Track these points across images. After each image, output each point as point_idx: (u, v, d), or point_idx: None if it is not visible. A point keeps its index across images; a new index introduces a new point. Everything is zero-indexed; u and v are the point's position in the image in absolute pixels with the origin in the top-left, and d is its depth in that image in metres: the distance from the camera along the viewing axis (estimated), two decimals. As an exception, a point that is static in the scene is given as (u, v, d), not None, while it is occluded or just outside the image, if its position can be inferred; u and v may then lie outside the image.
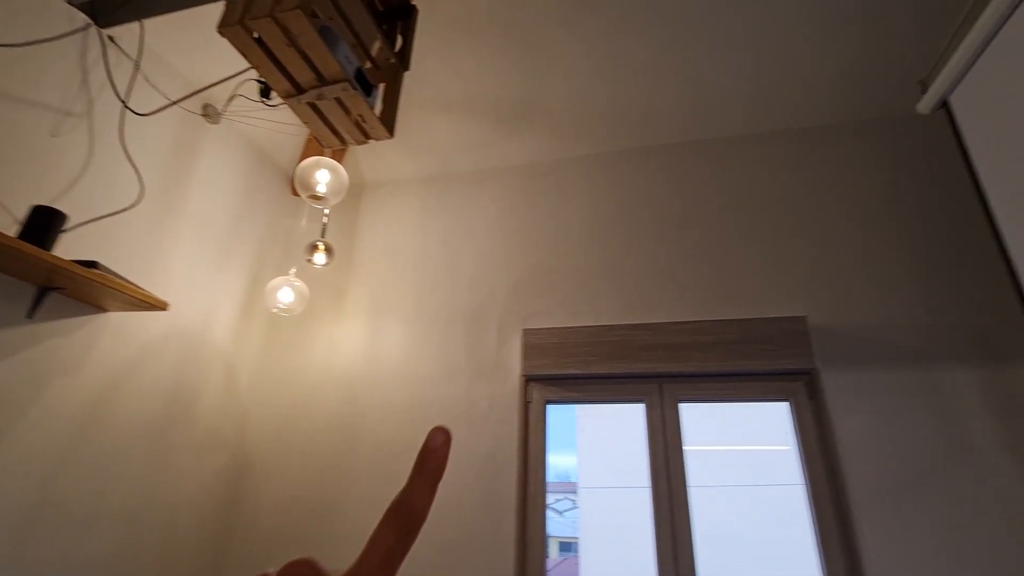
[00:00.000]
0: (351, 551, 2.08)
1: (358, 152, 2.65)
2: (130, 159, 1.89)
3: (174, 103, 2.06)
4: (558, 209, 2.51)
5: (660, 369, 2.02)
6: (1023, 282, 1.55)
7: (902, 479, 1.77)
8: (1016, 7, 1.48)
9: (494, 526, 1.98)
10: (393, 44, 1.77)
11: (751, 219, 2.25)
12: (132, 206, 1.87)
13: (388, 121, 1.51)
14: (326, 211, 2.23)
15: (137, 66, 1.93)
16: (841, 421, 1.87)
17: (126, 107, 1.87)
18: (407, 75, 1.89)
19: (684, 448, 2.00)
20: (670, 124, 2.44)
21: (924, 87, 1.89)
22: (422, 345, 2.38)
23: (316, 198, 2.08)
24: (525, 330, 2.22)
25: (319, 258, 2.09)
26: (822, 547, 1.77)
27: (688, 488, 1.93)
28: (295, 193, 2.75)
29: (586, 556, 6.39)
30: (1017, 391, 1.81)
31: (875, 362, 1.93)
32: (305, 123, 1.43)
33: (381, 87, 1.60)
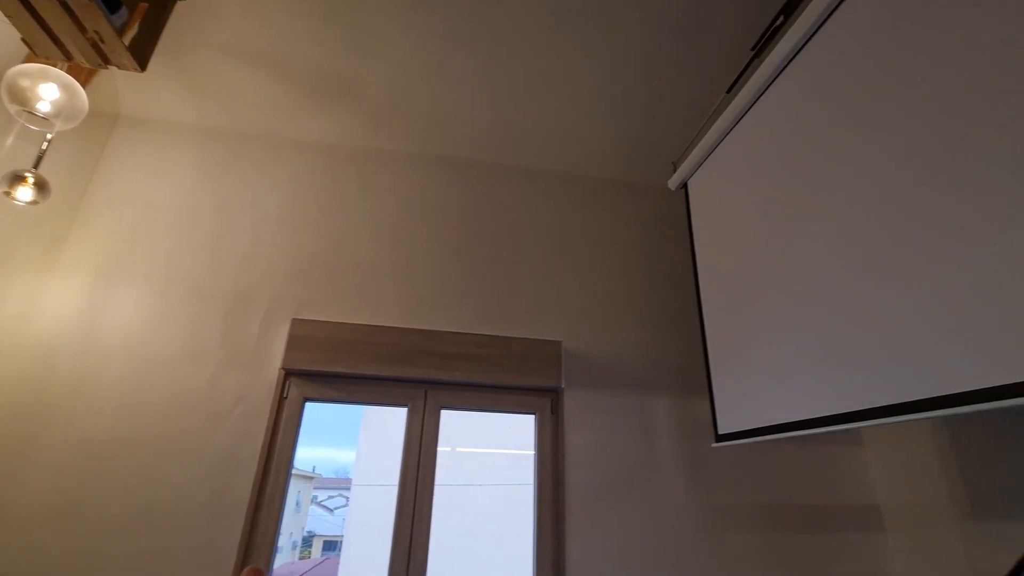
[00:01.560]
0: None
1: (118, 75, 2.16)
2: None
3: None
4: (357, 200, 2.41)
5: (429, 376, 2.07)
6: (708, 339, 1.98)
7: (608, 486, 2.11)
8: (733, 125, 1.90)
9: (214, 532, 1.77)
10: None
11: (531, 247, 2.47)
12: None
13: (141, 51, 1.25)
14: (48, 135, 1.75)
15: None
16: (572, 434, 2.16)
17: None
18: (191, 9, 1.60)
19: (439, 451, 2.08)
20: (481, 141, 2.55)
21: (675, 168, 2.32)
22: (164, 320, 2.03)
23: (35, 117, 1.62)
24: (295, 320, 2.06)
25: (23, 193, 1.62)
26: (537, 542, 2.00)
27: (436, 488, 2.01)
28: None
29: (348, 554, 6.22)
30: (697, 419, 2.31)
31: (608, 386, 2.27)
32: (7, 15, 1.09)
33: (142, 9, 1.32)
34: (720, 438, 1.84)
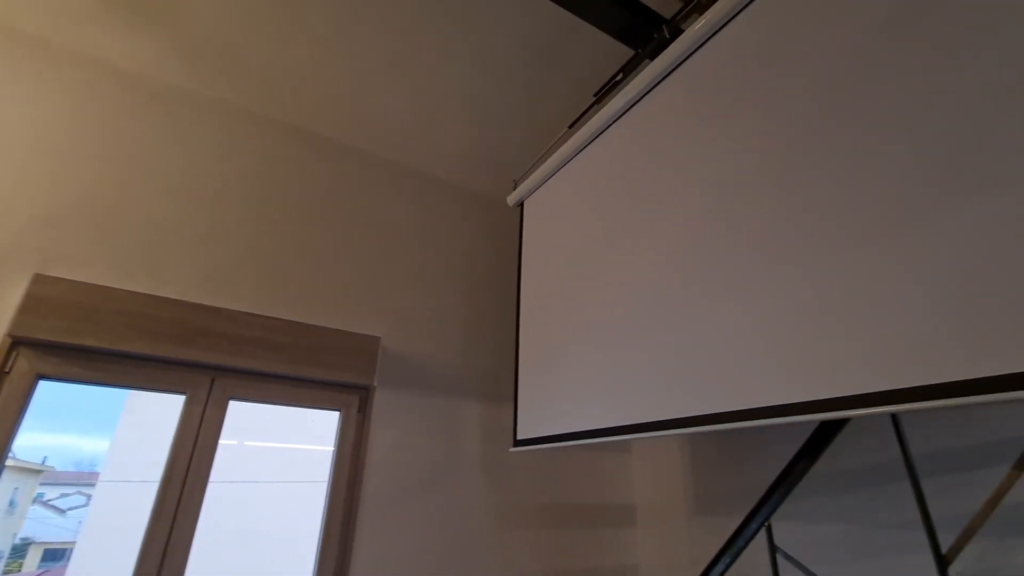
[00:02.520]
0: None
1: None
2: None
3: None
4: (155, 145, 2.00)
5: (219, 361, 1.81)
6: (520, 349, 2.11)
7: (406, 487, 2.10)
8: (571, 159, 2.07)
9: None
10: None
11: (362, 237, 2.35)
12: None
13: None
14: None
15: None
16: (378, 433, 2.09)
17: None
18: None
19: (224, 444, 1.83)
20: (325, 114, 2.35)
21: (515, 185, 2.43)
22: None
23: None
24: (37, 275, 1.62)
25: None
26: (323, 543, 1.88)
27: (213, 486, 1.76)
28: None
29: (79, 564, 5.08)
30: (501, 424, 2.45)
31: (421, 387, 2.26)
32: None
33: None
34: (518, 443, 1.96)
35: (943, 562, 1.02)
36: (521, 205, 2.39)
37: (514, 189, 2.42)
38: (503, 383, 2.50)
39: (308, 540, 2.01)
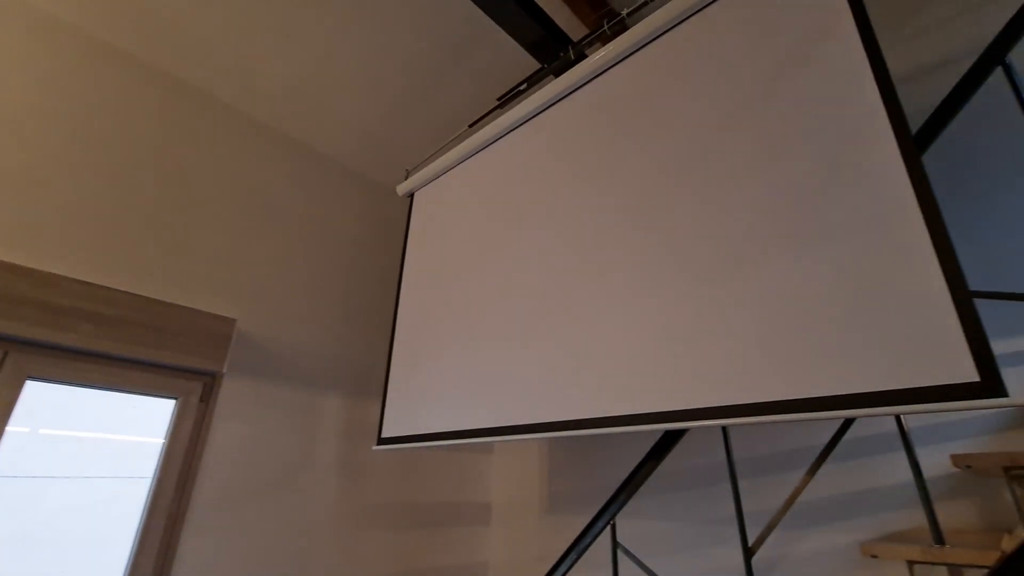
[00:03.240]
0: None
1: None
2: None
3: None
4: (-48, 49, 1.58)
5: (16, 332, 1.48)
6: (395, 345, 2.05)
7: (250, 487, 1.90)
8: (467, 158, 2.07)
9: None
10: None
11: (229, 205, 2.11)
12: None
13: None
14: None
15: None
16: (222, 426, 1.88)
17: None
18: None
19: (11, 432, 1.50)
20: (200, 64, 2.05)
21: (407, 175, 2.36)
22: None
23: None
24: None
25: None
26: (138, 549, 1.63)
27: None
28: None
29: None
30: (365, 421, 2.34)
31: (280, 378, 2.08)
32: None
33: None
34: (382, 441, 1.90)
35: (748, 552, 1.20)
36: (411, 196, 2.33)
37: (406, 179, 2.35)
38: (373, 380, 2.40)
39: (117, 546, 1.72)
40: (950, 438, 1.37)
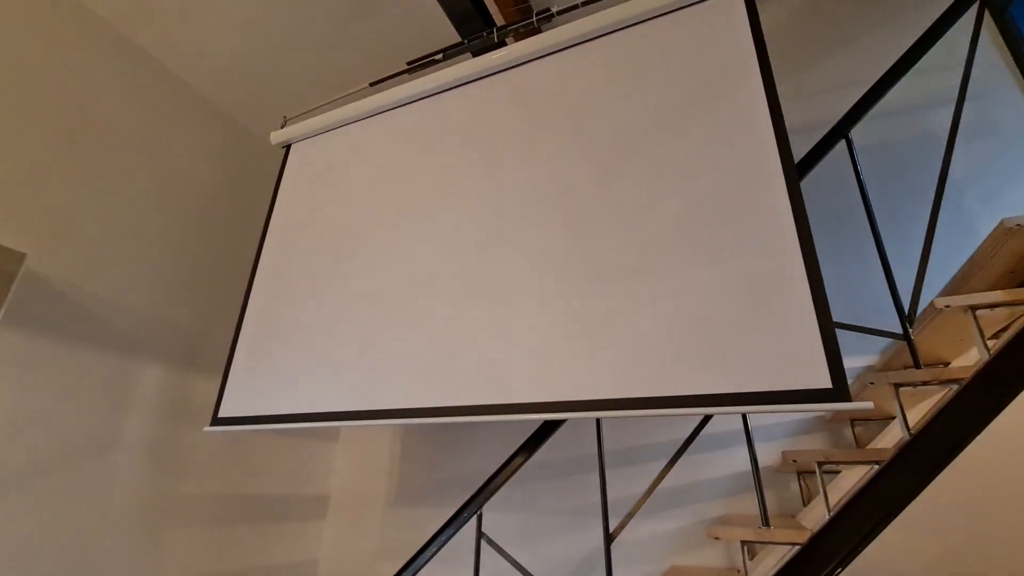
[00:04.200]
0: None
1: None
2: None
3: None
4: None
5: None
6: (246, 313, 1.77)
7: (24, 469, 1.46)
8: (363, 118, 1.89)
9: None
10: None
11: (41, 106, 1.61)
12: None
13: None
14: None
15: None
16: (-15, 393, 1.41)
17: None
18: None
19: None
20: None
21: (285, 123, 2.08)
22: None
23: None
24: None
25: None
26: None
27: None
28: None
29: None
30: (190, 397, 1.98)
31: (80, 337, 1.64)
32: None
33: None
34: (219, 421, 1.61)
35: (609, 538, 1.28)
36: (287, 147, 2.04)
37: (283, 126, 2.06)
38: (206, 349, 2.05)
39: None
40: (771, 438, 1.65)
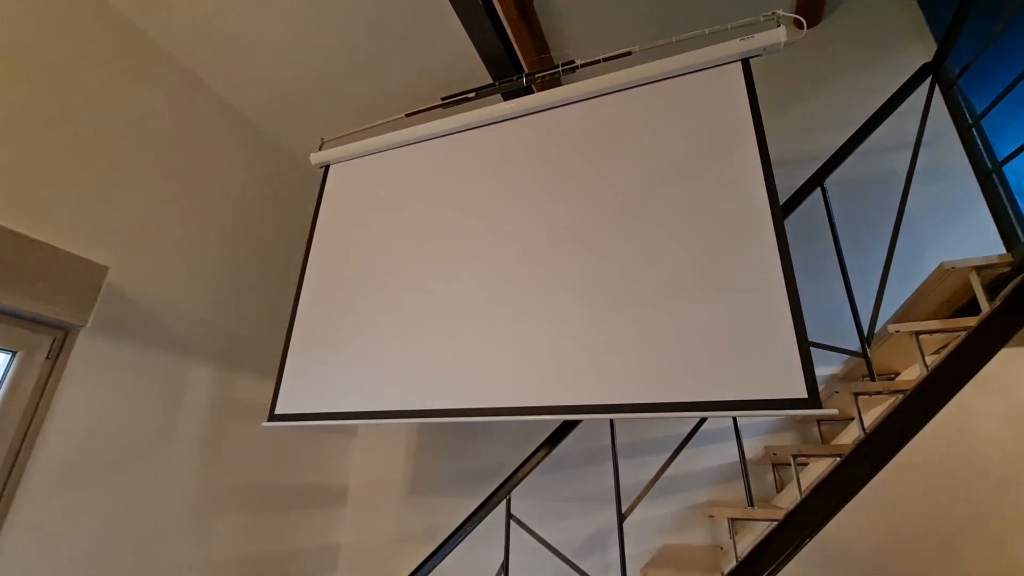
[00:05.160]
0: None
1: None
2: None
3: None
4: None
5: None
6: (297, 318, 1.97)
7: (95, 464, 1.65)
8: (402, 146, 2.10)
9: None
10: None
11: (111, 131, 1.78)
12: None
13: None
14: None
15: None
16: (72, 390, 1.59)
17: None
18: None
19: None
20: (87, -52, 1.69)
21: (322, 144, 2.27)
22: None
23: None
24: None
25: None
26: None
27: None
28: None
29: None
30: (236, 396, 2.16)
31: (147, 340, 1.82)
32: None
33: None
34: (275, 417, 1.82)
35: (621, 517, 1.54)
36: (326, 168, 2.24)
37: (320, 148, 2.25)
38: (246, 351, 2.24)
39: None
40: (751, 435, 1.95)
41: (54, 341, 1.57)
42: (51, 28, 1.64)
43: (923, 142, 1.80)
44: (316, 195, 2.37)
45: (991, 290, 1.45)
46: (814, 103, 2.48)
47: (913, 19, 2.43)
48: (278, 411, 1.84)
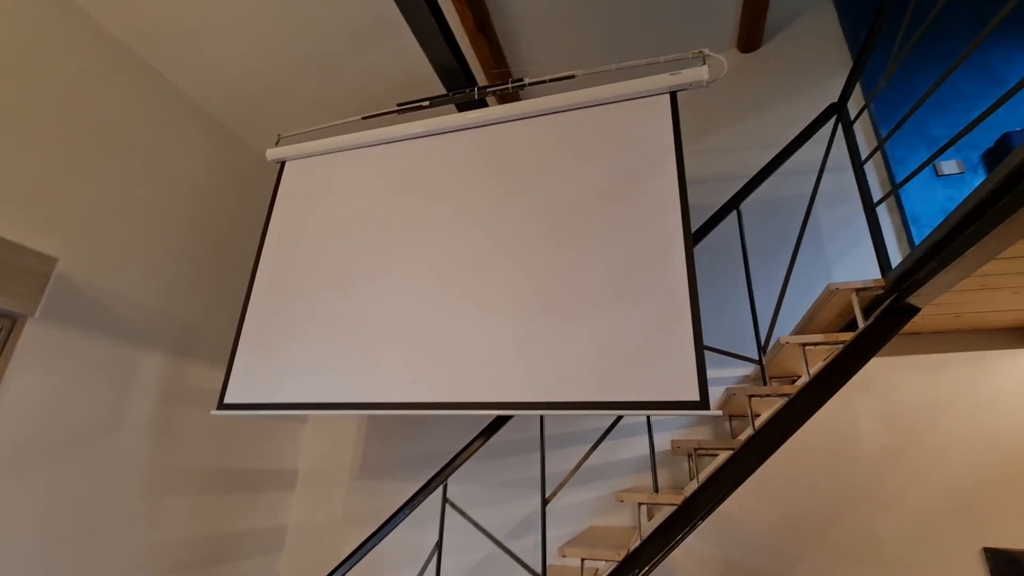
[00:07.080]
0: None
1: None
2: None
3: None
4: None
5: None
6: (249, 309, 2.04)
7: (46, 448, 1.70)
8: (355, 148, 2.18)
9: None
10: None
11: (63, 121, 1.79)
12: None
13: None
14: None
15: None
16: (20, 379, 1.63)
17: None
18: None
19: None
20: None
21: (279, 140, 2.32)
22: None
23: None
24: None
25: None
26: None
27: None
28: None
29: None
30: (186, 383, 2.22)
31: (97, 329, 1.86)
32: None
33: None
34: (224, 407, 1.90)
35: (545, 502, 1.72)
36: (282, 164, 2.29)
37: (277, 144, 2.30)
38: (204, 339, 2.29)
39: None
40: (663, 429, 2.16)
41: (0, 330, 1.60)
42: (2, 17, 1.64)
43: (836, 167, 2.04)
44: (272, 189, 2.42)
45: (869, 310, 1.68)
46: (747, 125, 2.70)
47: (843, 52, 2.67)
48: (227, 400, 1.92)
